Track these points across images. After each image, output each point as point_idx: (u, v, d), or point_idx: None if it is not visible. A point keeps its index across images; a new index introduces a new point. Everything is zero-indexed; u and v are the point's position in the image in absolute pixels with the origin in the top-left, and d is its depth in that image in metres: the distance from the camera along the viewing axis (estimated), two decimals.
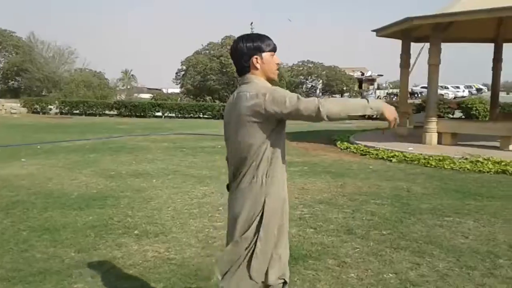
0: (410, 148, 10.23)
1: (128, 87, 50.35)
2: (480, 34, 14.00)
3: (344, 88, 49.12)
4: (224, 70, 31.74)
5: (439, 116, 23.14)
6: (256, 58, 2.28)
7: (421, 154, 9.58)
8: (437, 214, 5.43)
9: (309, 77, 46.62)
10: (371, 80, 58.97)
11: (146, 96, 40.81)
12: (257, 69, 2.29)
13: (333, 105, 2.12)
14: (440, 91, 46.25)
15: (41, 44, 44.38)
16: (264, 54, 2.29)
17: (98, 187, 6.75)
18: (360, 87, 55.72)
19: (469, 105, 22.49)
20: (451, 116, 25.16)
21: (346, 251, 4.18)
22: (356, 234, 4.66)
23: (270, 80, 2.34)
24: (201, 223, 4.99)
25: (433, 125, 11.00)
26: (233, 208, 2.31)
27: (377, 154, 10.11)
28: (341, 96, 49.80)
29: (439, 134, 11.16)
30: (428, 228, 4.89)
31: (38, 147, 11.38)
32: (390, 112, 2.19)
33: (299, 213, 5.44)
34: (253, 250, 2.23)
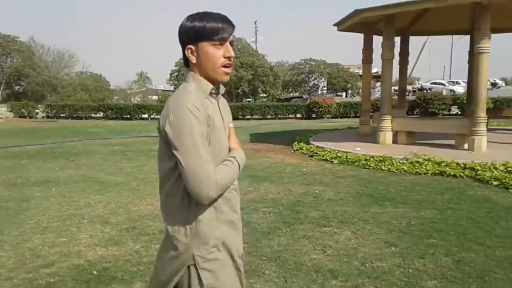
0: (358, 149, 9.64)
1: (144, 89, 50.38)
2: (455, 25, 13.26)
3: (348, 86, 48.35)
4: None
5: (433, 114, 22.69)
6: (190, 49, 1.64)
7: (364, 155, 9.00)
8: (319, 224, 4.90)
9: (311, 75, 45.83)
10: (377, 77, 57.82)
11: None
12: (193, 63, 1.66)
13: (219, 189, 1.59)
14: (451, 87, 45.45)
15: (41, 48, 44.77)
16: (201, 44, 1.62)
17: None
18: None
19: (464, 101, 21.64)
20: (446, 112, 24.32)
21: None
22: None
23: (213, 81, 1.69)
24: (43, 240, 4.53)
25: (387, 124, 10.35)
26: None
27: (322, 156, 9.56)
28: (345, 94, 49.11)
29: (396, 133, 10.52)
30: (292, 241, 4.37)
31: None
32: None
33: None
34: None
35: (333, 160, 9.08)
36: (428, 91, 45.50)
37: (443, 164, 7.84)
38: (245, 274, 1.83)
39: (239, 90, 32.80)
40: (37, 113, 26.15)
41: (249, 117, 25.24)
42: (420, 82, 60.60)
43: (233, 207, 1.74)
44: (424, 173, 7.61)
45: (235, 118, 24.24)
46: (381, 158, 8.53)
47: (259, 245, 4.25)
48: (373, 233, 4.58)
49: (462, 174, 7.34)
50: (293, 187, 6.83)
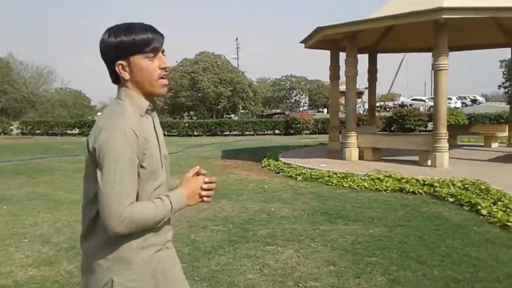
0: (323, 165, 9.65)
1: None
2: (421, 43, 13.45)
3: (329, 102, 48.71)
4: (198, 86, 31.35)
5: (409, 130, 22.89)
6: (121, 65, 1.53)
7: (328, 171, 8.99)
8: (264, 242, 4.83)
9: (292, 91, 46.18)
10: (359, 93, 58.58)
11: None
12: (126, 80, 1.55)
13: (131, 226, 1.45)
14: (431, 103, 46.02)
15: (20, 65, 44.46)
16: (133, 58, 1.52)
17: None
18: None
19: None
20: (423, 128, 24.58)
21: None
22: None
23: (150, 96, 1.58)
24: None
25: (352, 140, 10.38)
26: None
27: (288, 172, 9.53)
28: (327, 110, 49.44)
29: (362, 149, 10.56)
30: (231, 260, 4.29)
31: None
32: (193, 197, 1.62)
33: None
34: None
35: (297, 176, 9.06)
36: (409, 107, 46.10)
37: (403, 180, 7.85)
38: None
39: (219, 106, 32.79)
40: (11, 130, 25.76)
41: (228, 133, 25.22)
42: (401, 98, 61.50)
43: (164, 230, 1.63)
44: (384, 190, 7.62)
45: (214, 134, 24.26)
46: (344, 175, 8.53)
47: (197, 264, 4.17)
48: (316, 252, 4.53)
49: (421, 190, 7.35)
50: (250, 204, 6.76)
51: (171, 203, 1.54)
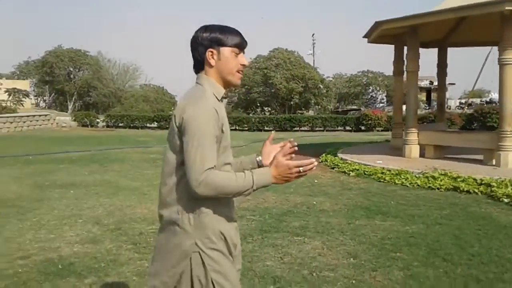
0: (379, 162, 9.47)
1: None
2: (494, 36, 12.65)
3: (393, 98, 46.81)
4: (270, 82, 31.70)
5: (491, 128, 21.48)
6: (211, 52, 1.84)
7: (383, 168, 8.83)
8: (294, 233, 4.96)
9: (368, 87, 44.98)
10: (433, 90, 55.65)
11: None
12: (211, 66, 1.85)
13: (210, 189, 1.69)
14: None
15: (108, 62, 47.64)
16: (223, 49, 1.83)
17: (14, 194, 7.01)
18: (428, 97, 52.88)
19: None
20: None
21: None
22: None
23: (227, 84, 1.89)
24: (34, 236, 4.95)
25: (413, 137, 10.06)
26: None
27: (342, 168, 9.49)
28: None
29: (424, 147, 10.20)
30: (257, 248, 4.48)
31: (30, 157, 12.11)
32: (285, 178, 1.81)
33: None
34: None
35: (350, 172, 8.99)
36: (497, 104, 43.15)
37: (459, 179, 7.53)
38: None
39: (291, 102, 32.91)
40: (97, 123, 27.80)
41: (297, 129, 25.29)
42: (491, 94, 57.61)
43: (233, 207, 1.91)
44: (438, 188, 7.37)
45: (284, 130, 24.45)
46: (397, 172, 8.34)
47: None
48: (341, 244, 4.58)
49: (476, 190, 7.02)
50: (294, 197, 6.88)
51: (253, 178, 1.74)
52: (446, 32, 12.32)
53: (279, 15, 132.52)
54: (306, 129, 25.33)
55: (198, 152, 1.69)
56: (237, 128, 25.84)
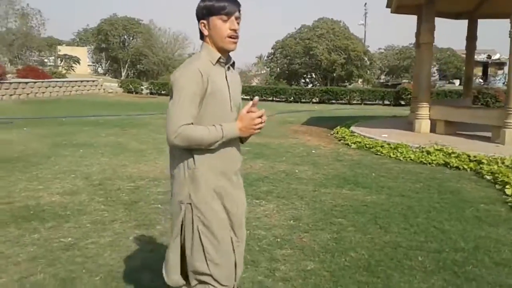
0: (384, 135, 9.48)
1: (263, 71, 52.04)
2: None
3: (462, 72, 44.83)
4: (311, 52, 31.41)
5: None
6: (203, 23, 2.02)
7: (384, 141, 8.86)
8: (256, 197, 5.26)
9: None
10: (500, 64, 52.56)
11: None
12: (206, 35, 2.03)
13: (184, 140, 1.92)
14: None
15: (159, 31, 48.73)
16: (212, 19, 1.99)
17: (31, 151, 7.75)
18: (484, 72, 50.24)
19: None
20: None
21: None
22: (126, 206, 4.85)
23: (223, 51, 2.04)
24: (26, 186, 5.57)
25: (424, 111, 9.92)
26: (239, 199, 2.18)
27: (347, 140, 9.60)
28: (459, 82, 45.55)
29: (434, 122, 10.05)
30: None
31: (64, 119, 13.05)
32: (249, 130, 2.03)
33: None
34: None
35: (352, 144, 9.10)
36: None
37: (452, 155, 7.49)
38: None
39: (334, 74, 32.52)
40: (142, 90, 28.87)
41: (334, 101, 25.09)
42: None
43: (230, 165, 2.09)
44: (429, 163, 7.39)
45: (321, 102, 24.32)
46: (396, 146, 8.37)
47: None
48: (292, 209, 4.85)
49: (465, 166, 6.99)
50: (280, 165, 7.15)
51: (222, 130, 1.96)
52: (477, 3, 11.80)
53: None
54: (343, 102, 25.10)
55: (177, 109, 1.91)
56: (274, 99, 26.00)
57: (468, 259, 3.60)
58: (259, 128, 2.06)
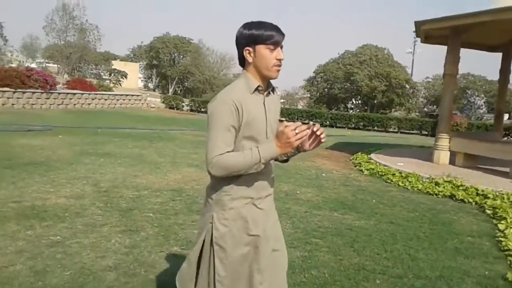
0: (400, 164, 9.46)
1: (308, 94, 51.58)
2: None
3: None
4: (352, 78, 31.42)
5: None
6: (248, 51, 2.03)
7: (397, 170, 8.86)
8: None
9: (466, 92, 42.31)
10: None
11: None
12: (249, 63, 2.04)
13: (220, 169, 1.96)
14: None
15: (207, 50, 50.29)
16: (258, 47, 2.00)
17: (57, 156, 8.34)
18: None
19: None
20: None
21: None
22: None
23: (265, 78, 2.07)
24: (38, 188, 6.05)
25: (443, 142, 9.84)
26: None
27: (361, 166, 9.65)
28: (509, 117, 43.87)
29: (454, 154, 9.91)
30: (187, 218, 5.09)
31: (99, 130, 13.80)
32: (287, 145, 1.96)
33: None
34: None
35: (366, 171, 9.15)
36: None
37: (461, 188, 7.41)
38: None
39: (375, 101, 32.30)
40: (183, 106, 29.87)
41: (370, 128, 24.94)
42: None
43: (258, 188, 2.10)
44: (436, 194, 7.36)
45: (356, 128, 24.29)
46: (406, 175, 8.36)
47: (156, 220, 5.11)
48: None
49: (471, 200, 6.93)
50: (284, 186, 7.33)
51: (259, 152, 1.96)
52: (510, 36, 11.63)
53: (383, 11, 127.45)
54: (379, 129, 24.91)
55: (212, 140, 1.96)
56: (308, 122, 26.05)
57: (426, 286, 3.67)
58: (299, 140, 1.96)
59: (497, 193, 6.97)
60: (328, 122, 25.53)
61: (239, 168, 1.96)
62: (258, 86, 2.04)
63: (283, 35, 2.03)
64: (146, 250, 4.07)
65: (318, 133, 2.02)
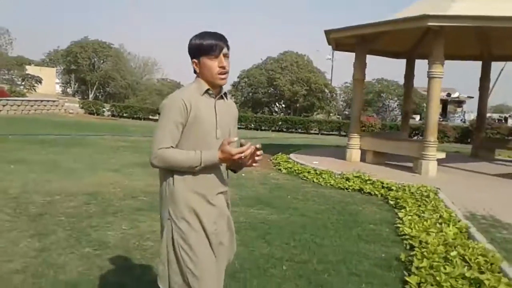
0: (315, 162, 9.96)
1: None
2: (463, 51, 12.91)
3: (421, 108, 46.60)
4: (274, 83, 32.30)
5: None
6: (195, 63, 2.19)
7: (312, 168, 9.32)
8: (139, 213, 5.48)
9: (381, 95, 44.95)
10: (459, 102, 54.92)
11: None
12: (197, 72, 2.20)
13: (163, 162, 2.09)
14: None
15: (128, 55, 49.15)
16: (202, 58, 2.16)
17: None
18: (444, 109, 52.35)
19: None
20: None
21: None
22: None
23: (214, 86, 2.20)
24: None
25: (354, 142, 10.52)
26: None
27: (280, 165, 10.02)
28: (419, 117, 47.23)
29: (364, 152, 10.62)
30: (117, 220, 5.09)
31: (9, 137, 13.06)
32: (227, 158, 2.09)
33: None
34: None
35: (283, 170, 9.52)
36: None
37: (368, 182, 7.98)
38: None
39: (297, 105, 33.39)
40: (103, 111, 28.96)
41: (293, 130, 25.76)
42: None
43: (209, 189, 2.20)
44: (346, 188, 7.83)
45: (280, 130, 24.90)
46: (320, 172, 8.82)
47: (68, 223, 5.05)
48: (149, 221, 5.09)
49: (376, 192, 7.47)
50: None
51: (201, 156, 2.09)
52: (412, 44, 12.64)
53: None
54: (300, 131, 25.79)
55: (159, 133, 2.09)
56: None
57: (327, 269, 3.97)
58: (241, 161, 2.12)
59: (399, 186, 7.59)
60: (253, 125, 26.01)
61: (180, 165, 2.09)
62: (208, 89, 2.18)
63: (224, 41, 2.16)
64: (56, 252, 4.02)
65: (258, 152, 2.17)
